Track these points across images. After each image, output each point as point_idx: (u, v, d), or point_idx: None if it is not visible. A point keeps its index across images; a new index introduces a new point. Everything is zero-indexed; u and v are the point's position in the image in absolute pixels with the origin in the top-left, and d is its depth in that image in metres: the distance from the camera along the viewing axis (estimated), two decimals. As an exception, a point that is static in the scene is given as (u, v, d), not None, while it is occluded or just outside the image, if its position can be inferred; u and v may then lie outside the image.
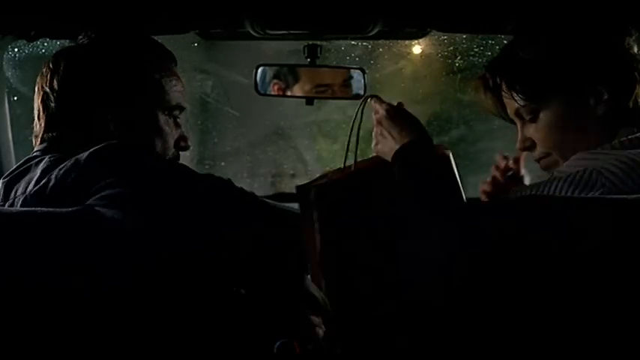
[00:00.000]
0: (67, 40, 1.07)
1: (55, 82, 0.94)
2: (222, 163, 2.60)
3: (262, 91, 1.35)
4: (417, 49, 2.11)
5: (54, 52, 1.00)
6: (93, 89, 0.94)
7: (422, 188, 0.90)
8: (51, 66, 0.96)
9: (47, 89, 0.94)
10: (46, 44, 1.45)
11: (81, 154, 0.82)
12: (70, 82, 0.94)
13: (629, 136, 0.89)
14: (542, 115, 0.95)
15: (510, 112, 1.00)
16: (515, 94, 0.96)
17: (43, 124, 0.95)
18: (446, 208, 0.86)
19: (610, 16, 0.95)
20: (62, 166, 0.82)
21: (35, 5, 1.07)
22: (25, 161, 0.91)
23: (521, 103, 0.96)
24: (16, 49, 1.62)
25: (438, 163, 0.94)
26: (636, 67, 0.92)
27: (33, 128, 0.98)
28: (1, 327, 0.74)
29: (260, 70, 1.33)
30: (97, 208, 0.76)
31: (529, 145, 0.99)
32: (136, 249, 0.76)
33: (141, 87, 0.96)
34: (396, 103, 1.01)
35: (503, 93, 0.99)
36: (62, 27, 1.16)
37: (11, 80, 1.63)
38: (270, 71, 1.35)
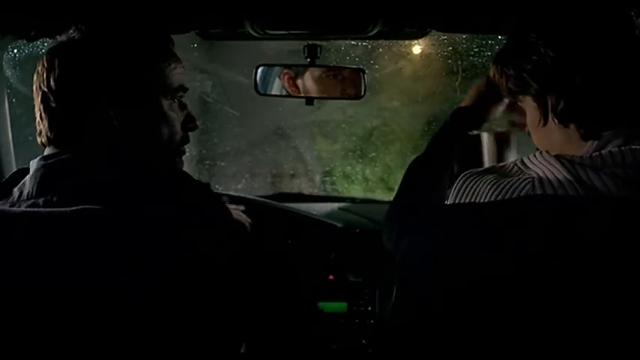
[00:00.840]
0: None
1: (52, 81, 0.91)
2: (222, 163, 2.60)
3: (262, 91, 1.35)
4: (417, 49, 2.11)
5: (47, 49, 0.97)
6: (91, 84, 0.92)
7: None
8: (46, 64, 0.93)
9: (45, 89, 0.92)
10: (46, 44, 1.45)
11: (113, 168, 0.85)
12: (68, 79, 0.92)
13: (602, 151, 0.83)
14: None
15: None
16: (503, 91, 0.97)
17: (46, 125, 0.93)
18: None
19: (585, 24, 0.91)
20: (96, 168, 0.84)
21: (35, 5, 1.07)
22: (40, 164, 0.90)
23: (507, 97, 0.99)
24: (15, 50, 1.63)
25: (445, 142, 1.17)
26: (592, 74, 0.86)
27: (35, 128, 0.98)
28: (1, 328, 0.74)
29: (260, 70, 1.33)
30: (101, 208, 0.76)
31: None
32: (139, 250, 0.76)
33: (140, 76, 0.94)
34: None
35: None
36: (62, 27, 1.16)
37: (11, 80, 1.64)
38: (271, 71, 1.35)
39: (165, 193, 0.85)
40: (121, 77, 0.93)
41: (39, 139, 0.96)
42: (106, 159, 0.88)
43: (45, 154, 0.93)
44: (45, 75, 0.93)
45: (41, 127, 0.94)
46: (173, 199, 0.84)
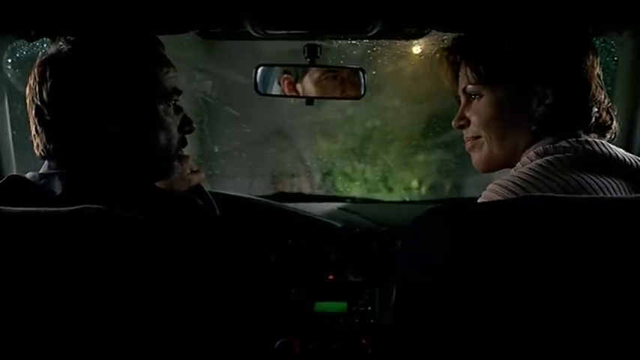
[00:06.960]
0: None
1: (45, 94, 0.91)
2: (222, 163, 2.60)
3: (262, 91, 1.35)
4: (417, 49, 2.11)
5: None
6: (85, 95, 0.91)
7: None
8: (37, 77, 0.92)
9: (38, 102, 0.91)
10: (45, 44, 1.45)
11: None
12: (61, 91, 0.91)
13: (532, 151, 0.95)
14: (484, 98, 1.02)
15: (460, 88, 1.08)
16: (469, 71, 1.03)
17: (44, 139, 0.93)
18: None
19: (578, 27, 1.00)
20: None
21: (35, 5, 1.07)
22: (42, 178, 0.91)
23: (472, 80, 1.03)
24: (16, 50, 1.62)
25: None
26: (588, 81, 0.97)
27: (32, 138, 0.97)
28: (1, 328, 0.74)
29: (260, 70, 1.33)
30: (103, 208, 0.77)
31: (463, 124, 1.08)
32: (136, 251, 0.76)
33: (133, 84, 0.94)
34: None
35: (460, 68, 1.06)
36: (62, 27, 1.16)
37: (11, 80, 1.63)
38: (271, 71, 1.35)
39: (161, 204, 0.89)
40: (114, 86, 0.93)
41: (37, 152, 0.95)
42: (103, 175, 0.89)
43: (45, 170, 0.92)
44: (37, 88, 0.92)
45: (37, 140, 0.94)
46: (169, 207, 0.88)
